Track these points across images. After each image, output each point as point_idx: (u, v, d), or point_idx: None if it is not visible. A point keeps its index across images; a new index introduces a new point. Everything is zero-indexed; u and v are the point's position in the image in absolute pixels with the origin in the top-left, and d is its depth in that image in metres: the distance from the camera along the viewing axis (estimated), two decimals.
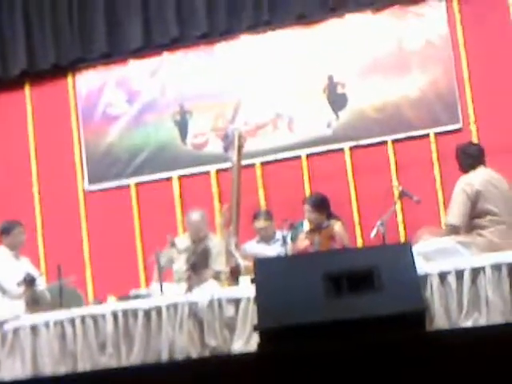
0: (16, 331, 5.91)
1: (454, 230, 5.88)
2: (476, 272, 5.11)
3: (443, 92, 7.71)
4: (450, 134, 7.54)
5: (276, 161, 8.05)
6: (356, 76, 7.95)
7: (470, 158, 6.14)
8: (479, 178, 6.02)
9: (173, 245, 6.70)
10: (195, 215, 7.05)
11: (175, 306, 5.66)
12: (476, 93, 7.60)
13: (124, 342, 5.69)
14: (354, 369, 2.76)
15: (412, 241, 5.90)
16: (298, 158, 7.97)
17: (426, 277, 5.13)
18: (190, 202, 7.94)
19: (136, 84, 8.56)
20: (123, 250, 8.24)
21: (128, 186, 8.39)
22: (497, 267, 5.08)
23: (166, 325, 5.64)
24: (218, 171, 8.12)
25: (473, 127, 7.55)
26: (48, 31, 8.54)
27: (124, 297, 6.20)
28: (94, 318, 5.79)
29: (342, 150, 7.87)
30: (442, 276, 5.16)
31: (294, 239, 6.69)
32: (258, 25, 8.09)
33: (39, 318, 5.95)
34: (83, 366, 5.71)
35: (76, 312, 5.88)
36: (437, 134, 7.62)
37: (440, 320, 5.05)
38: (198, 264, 6.62)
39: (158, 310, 5.68)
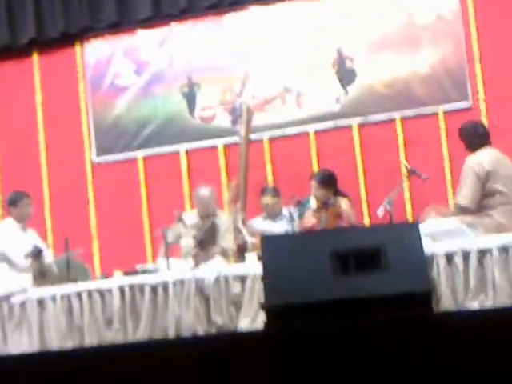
0: (23, 305, 5.94)
1: (462, 210, 5.86)
2: (483, 254, 5.11)
3: (453, 68, 7.64)
4: (459, 111, 7.49)
5: (284, 136, 8.01)
6: (365, 50, 7.87)
7: (478, 137, 6.11)
8: (487, 157, 5.98)
9: (180, 220, 6.64)
10: (204, 191, 6.93)
11: (182, 282, 5.67)
12: (486, 70, 7.53)
13: (130, 318, 5.72)
14: (360, 348, 2.76)
15: (419, 219, 5.89)
16: (306, 133, 7.93)
17: (432, 257, 5.14)
18: (198, 176, 7.90)
19: (144, 54, 8.49)
20: (130, 223, 8.22)
21: (135, 159, 8.37)
22: (504, 249, 5.08)
23: (172, 301, 5.65)
24: (226, 145, 8.09)
25: (482, 105, 7.50)
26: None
27: (130, 271, 6.19)
28: (101, 292, 5.81)
29: (350, 126, 7.81)
30: (449, 257, 5.16)
31: (300, 216, 6.61)
32: None
33: (46, 291, 5.97)
34: (90, 340, 5.74)
35: (83, 286, 5.90)
36: (446, 112, 7.57)
37: (446, 301, 5.05)
38: (206, 241, 6.57)
39: (165, 286, 5.69)
